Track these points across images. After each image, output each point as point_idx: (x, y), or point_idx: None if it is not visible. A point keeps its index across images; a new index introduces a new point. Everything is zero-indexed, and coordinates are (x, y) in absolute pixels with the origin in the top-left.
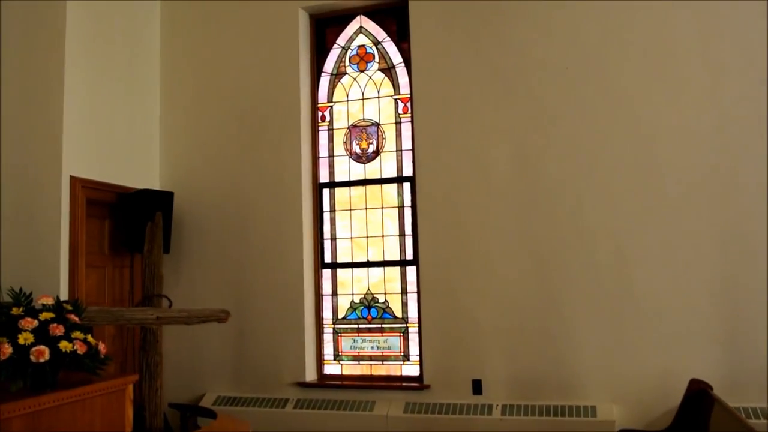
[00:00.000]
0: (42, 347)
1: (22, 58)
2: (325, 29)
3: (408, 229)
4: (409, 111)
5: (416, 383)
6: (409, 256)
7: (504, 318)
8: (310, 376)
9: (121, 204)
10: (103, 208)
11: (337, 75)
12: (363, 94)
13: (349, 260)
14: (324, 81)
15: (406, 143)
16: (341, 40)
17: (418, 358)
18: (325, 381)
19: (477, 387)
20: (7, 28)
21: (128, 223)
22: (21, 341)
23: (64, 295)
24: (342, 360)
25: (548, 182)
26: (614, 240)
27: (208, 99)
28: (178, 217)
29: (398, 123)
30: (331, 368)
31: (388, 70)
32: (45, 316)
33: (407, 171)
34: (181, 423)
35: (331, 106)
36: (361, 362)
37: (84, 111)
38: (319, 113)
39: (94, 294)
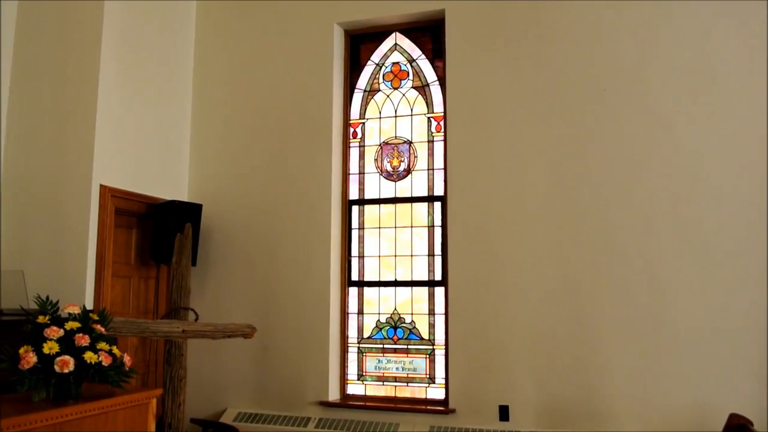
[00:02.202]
0: (67, 357)
1: (56, 66)
2: (359, 45)
3: (437, 249)
4: (442, 129)
5: (441, 407)
6: (438, 276)
7: (533, 343)
8: (333, 395)
9: (149, 214)
10: (131, 218)
11: (371, 91)
12: (396, 111)
13: (376, 279)
14: (357, 97)
15: (438, 162)
16: (376, 56)
17: (443, 381)
18: (348, 401)
19: (504, 413)
20: (41, 34)
21: (156, 234)
22: (46, 350)
23: (89, 305)
24: (366, 380)
25: (583, 205)
26: (650, 265)
27: (240, 112)
28: (206, 230)
29: (431, 141)
30: (355, 388)
31: (422, 88)
32: (71, 325)
33: (438, 190)
34: None
35: (363, 123)
36: (385, 383)
37: (116, 121)
38: (351, 129)
39: (119, 304)
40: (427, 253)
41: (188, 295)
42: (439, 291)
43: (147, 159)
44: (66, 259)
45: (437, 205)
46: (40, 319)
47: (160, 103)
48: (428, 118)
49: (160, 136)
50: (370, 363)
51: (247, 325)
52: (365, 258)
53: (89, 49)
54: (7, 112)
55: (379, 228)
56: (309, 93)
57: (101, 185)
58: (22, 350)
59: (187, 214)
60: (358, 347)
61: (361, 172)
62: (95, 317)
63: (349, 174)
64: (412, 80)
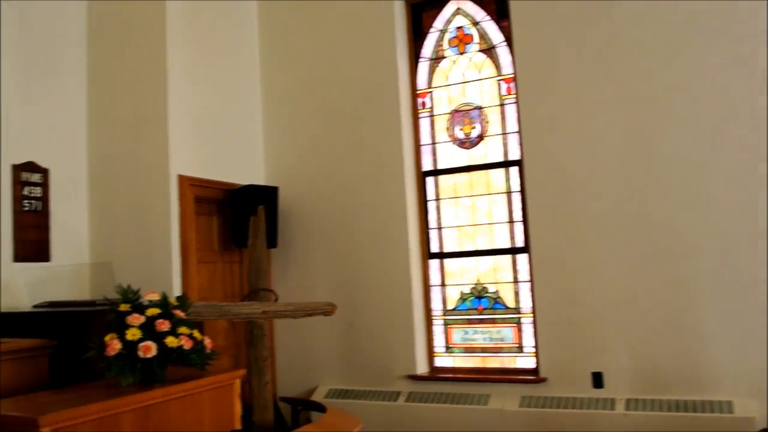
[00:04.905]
0: (149, 343)
1: (127, 63)
2: (421, 14)
3: (517, 216)
4: (514, 92)
5: (532, 376)
6: (520, 243)
7: (624, 307)
8: (421, 368)
9: (226, 200)
10: (211, 205)
11: (436, 59)
12: (464, 77)
13: (456, 249)
14: (423, 66)
15: (512, 126)
16: (438, 23)
17: (533, 350)
18: (436, 374)
19: (597, 380)
20: (107, 29)
21: (234, 219)
22: (129, 337)
23: (177, 292)
24: (453, 352)
25: (667, 160)
26: (746, 219)
27: (308, 92)
28: (285, 211)
29: (502, 105)
30: (443, 360)
31: (489, 51)
32: (151, 312)
33: (514, 155)
34: (292, 417)
35: (431, 92)
36: (473, 354)
37: (188, 111)
38: (419, 100)
39: (207, 290)
40: (507, 220)
41: (266, 277)
42: (522, 258)
43: (222, 146)
44: (152, 249)
45: (514, 170)
46: (123, 307)
47: (230, 89)
48: (498, 81)
49: (233, 123)
50: (457, 334)
51: (327, 302)
52: (444, 229)
53: (156, 43)
54: (87, 112)
55: (456, 197)
56: (374, 67)
57: (179, 175)
58: (107, 338)
59: (261, 197)
60: (444, 319)
61: (433, 142)
62: (175, 303)
63: (420, 145)
64: (478, 43)
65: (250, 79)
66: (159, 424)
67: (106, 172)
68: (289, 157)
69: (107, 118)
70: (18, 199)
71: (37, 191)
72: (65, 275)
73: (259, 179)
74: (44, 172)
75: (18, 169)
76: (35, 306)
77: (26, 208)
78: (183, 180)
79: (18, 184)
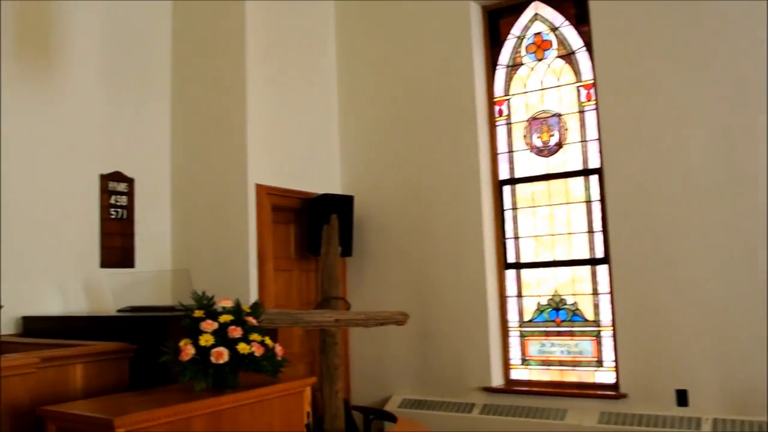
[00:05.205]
0: (221, 349)
1: (206, 75)
2: (498, 20)
3: (597, 225)
4: (593, 98)
5: (612, 392)
6: (600, 254)
7: (712, 320)
8: (497, 381)
9: (303, 209)
10: (288, 214)
11: (513, 66)
12: (542, 83)
13: (533, 260)
14: (500, 73)
15: (592, 133)
16: (516, 29)
17: (613, 364)
18: (512, 386)
19: (682, 398)
20: (189, 45)
21: (310, 228)
22: (202, 342)
23: (254, 299)
24: (530, 365)
25: (758, 166)
26: None
27: (384, 101)
28: (360, 220)
29: (582, 112)
30: (519, 373)
31: (568, 56)
32: (224, 318)
33: (594, 163)
34: (364, 426)
35: (509, 99)
36: (550, 367)
37: (266, 121)
38: (496, 107)
39: (283, 297)
40: (586, 230)
41: (338, 285)
42: (602, 269)
43: (298, 155)
44: (230, 256)
45: (593, 178)
46: (197, 313)
47: (307, 100)
48: (577, 87)
49: (310, 132)
50: (533, 347)
51: (399, 312)
52: (520, 239)
53: (235, 57)
54: (170, 124)
55: (533, 207)
56: (451, 75)
57: (257, 184)
58: (181, 343)
59: (336, 206)
60: (520, 331)
61: (510, 150)
62: (247, 310)
63: (497, 153)
64: (557, 49)
65: (327, 89)
66: (230, 429)
67: (187, 181)
68: (365, 166)
69: (189, 129)
70: (105, 207)
71: (123, 200)
72: (148, 281)
73: (335, 188)
74: (130, 181)
75: (105, 178)
76: (119, 310)
77: (113, 216)
78: (261, 189)
79: (105, 193)
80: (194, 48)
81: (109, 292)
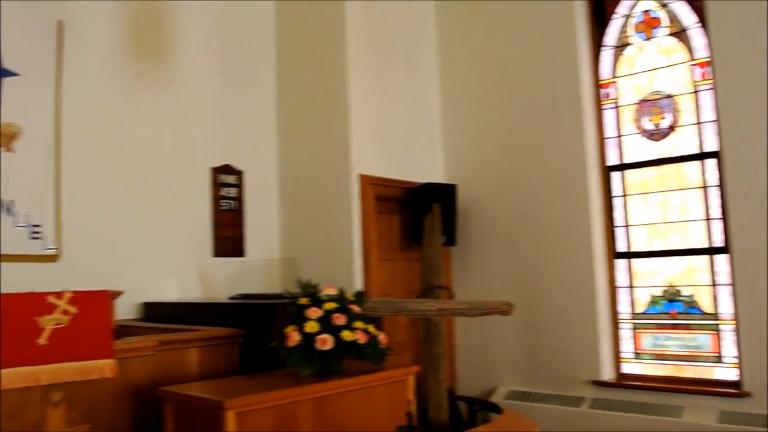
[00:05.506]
0: (326, 336)
1: (309, 69)
2: (603, 0)
3: (715, 212)
4: (709, 77)
5: (734, 389)
6: (719, 242)
7: None
8: (607, 374)
9: (406, 199)
10: (391, 203)
11: (620, 47)
12: (651, 63)
13: (646, 249)
14: (606, 55)
15: (707, 114)
16: (622, 8)
17: (735, 361)
18: (624, 381)
19: None
20: (293, 41)
21: (413, 217)
22: (307, 329)
23: (359, 288)
24: (643, 359)
25: None
26: None
27: (486, 88)
28: (464, 209)
29: (696, 92)
30: (631, 367)
31: (680, 34)
32: (328, 306)
33: (710, 146)
34: (468, 416)
35: (616, 81)
36: (665, 362)
37: (368, 112)
38: (603, 90)
39: (388, 286)
40: (703, 218)
41: (441, 274)
42: (721, 259)
43: (401, 145)
44: (335, 246)
45: (710, 162)
46: (302, 300)
47: (409, 89)
48: (691, 66)
49: (412, 122)
50: (646, 340)
51: (504, 302)
52: (631, 227)
53: (336, 49)
54: (276, 118)
55: (645, 193)
56: (554, 58)
57: (360, 175)
58: (288, 329)
59: (438, 195)
60: (632, 323)
61: (619, 135)
62: (351, 298)
63: (604, 138)
64: (668, 26)
65: (428, 78)
66: (335, 414)
67: (293, 173)
68: (468, 155)
69: (294, 122)
70: (216, 199)
71: (233, 192)
72: (257, 269)
73: (438, 177)
74: (239, 174)
75: (216, 171)
76: (230, 297)
77: (224, 208)
78: (364, 179)
79: (216, 185)
80: (297, 44)
81: (221, 280)
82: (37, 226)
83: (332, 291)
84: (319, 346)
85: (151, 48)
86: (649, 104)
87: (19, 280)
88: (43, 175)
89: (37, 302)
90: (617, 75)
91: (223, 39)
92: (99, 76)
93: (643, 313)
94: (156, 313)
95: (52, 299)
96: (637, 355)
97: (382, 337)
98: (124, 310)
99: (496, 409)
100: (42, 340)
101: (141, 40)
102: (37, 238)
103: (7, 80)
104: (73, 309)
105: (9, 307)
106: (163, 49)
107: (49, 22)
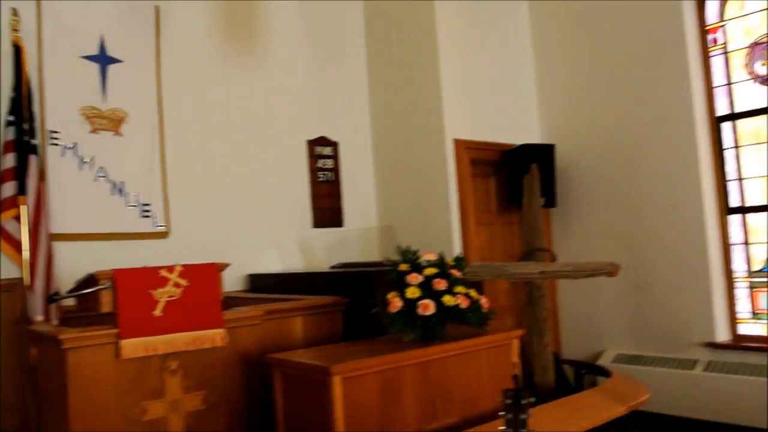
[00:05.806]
0: (427, 301)
1: (399, 36)
2: None
3: None
4: None
5: None
6: None
7: None
8: (722, 335)
9: (503, 161)
10: (486, 167)
11: None
12: (764, 3)
13: (762, 203)
14: None
15: None
16: None
17: None
18: (740, 342)
19: None
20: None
21: (510, 180)
22: (408, 295)
23: (457, 253)
24: (761, 319)
25: None
26: None
27: (583, 40)
28: (563, 169)
29: None
30: (748, 328)
31: None
32: (429, 271)
33: None
34: (575, 380)
35: (724, 26)
36: None
37: (459, 76)
38: (710, 36)
39: (487, 250)
40: None
41: (542, 236)
42: None
43: (495, 108)
44: (432, 212)
45: None
46: (402, 266)
47: (501, 50)
48: None
49: (505, 83)
50: (764, 299)
51: (609, 263)
52: (745, 180)
53: (426, 14)
54: (368, 86)
55: (759, 143)
56: (654, 4)
57: (455, 139)
58: (389, 295)
59: (536, 156)
60: (749, 281)
61: (729, 83)
62: (451, 263)
63: (713, 87)
64: None
65: (521, 35)
66: (438, 378)
67: (387, 141)
68: (564, 113)
69: (386, 91)
70: (313, 171)
71: (329, 163)
72: (356, 238)
73: (534, 138)
74: (334, 145)
75: (312, 143)
76: (331, 267)
77: (321, 179)
78: (459, 144)
79: (312, 157)
80: (386, 11)
81: (322, 251)
82: (146, 205)
83: (432, 257)
84: (420, 311)
85: (244, 29)
86: (761, 47)
87: (133, 256)
88: (149, 156)
89: (151, 276)
90: (725, 18)
91: (312, 13)
92: (195, 59)
93: (760, 271)
94: (261, 284)
95: (164, 273)
96: (755, 315)
97: (483, 301)
98: (231, 282)
99: (604, 372)
100: (157, 312)
101: (233, 21)
102: (147, 217)
103: (111, 67)
104: (183, 282)
105: (126, 281)
106: (255, 29)
107: (146, 8)
